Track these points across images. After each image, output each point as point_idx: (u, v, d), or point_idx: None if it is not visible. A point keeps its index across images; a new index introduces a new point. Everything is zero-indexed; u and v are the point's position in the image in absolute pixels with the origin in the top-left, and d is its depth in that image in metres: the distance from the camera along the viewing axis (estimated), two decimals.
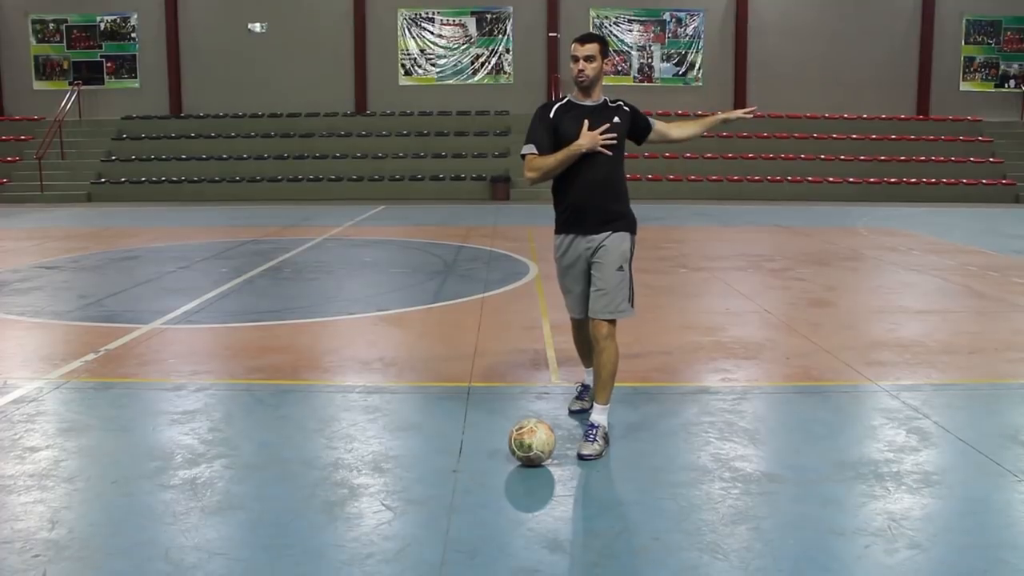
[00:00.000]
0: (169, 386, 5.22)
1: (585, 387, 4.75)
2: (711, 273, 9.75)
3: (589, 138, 4.08)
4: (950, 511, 3.50)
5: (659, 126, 4.52)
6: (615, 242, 4.20)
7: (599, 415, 4.15)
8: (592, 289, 4.21)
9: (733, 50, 25.15)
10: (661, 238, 12.89)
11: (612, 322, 4.19)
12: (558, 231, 4.35)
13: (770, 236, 13.98)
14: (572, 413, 4.66)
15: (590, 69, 4.16)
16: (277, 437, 4.35)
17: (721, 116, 4.85)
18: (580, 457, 4.00)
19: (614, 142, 4.15)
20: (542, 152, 4.18)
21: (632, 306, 4.27)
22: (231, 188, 22.46)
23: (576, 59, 4.17)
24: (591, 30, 25.10)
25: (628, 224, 4.28)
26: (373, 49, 25.21)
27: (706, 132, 4.84)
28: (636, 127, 4.40)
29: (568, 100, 4.28)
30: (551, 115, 4.21)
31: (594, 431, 4.09)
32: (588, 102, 4.24)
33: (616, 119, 4.22)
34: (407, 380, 5.43)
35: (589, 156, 4.13)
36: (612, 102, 4.34)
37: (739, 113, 4.76)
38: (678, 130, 4.66)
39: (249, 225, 15.50)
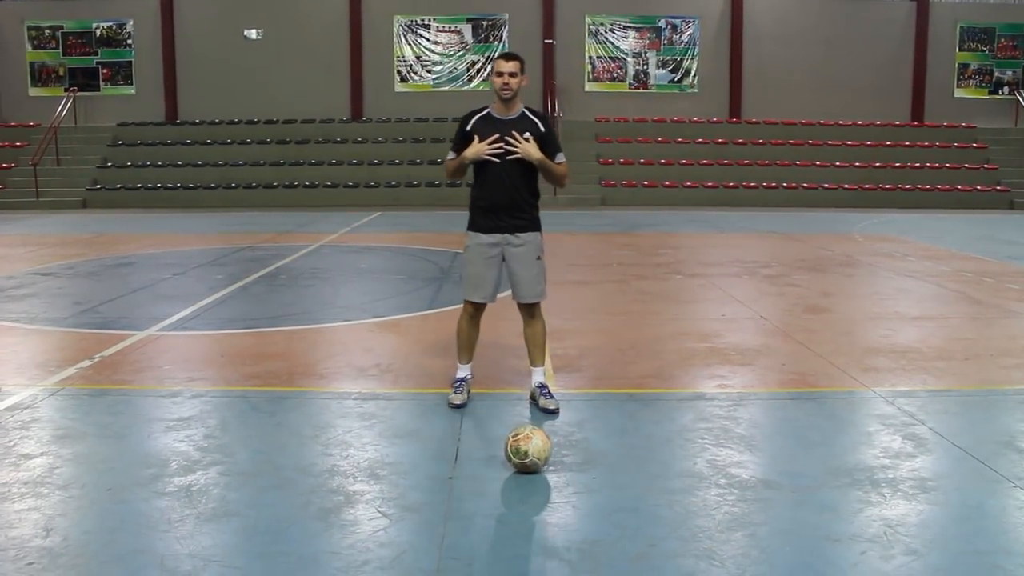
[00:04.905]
0: (164, 393, 5.21)
1: (462, 380, 5.01)
2: (707, 279, 9.77)
3: (474, 151, 4.69)
4: (946, 517, 3.50)
5: (559, 166, 4.81)
6: (529, 238, 4.85)
7: (543, 376, 4.94)
8: (515, 280, 4.86)
9: (728, 57, 25.22)
10: (657, 244, 12.87)
11: (538, 303, 4.94)
12: (472, 228, 4.88)
13: (766, 242, 14.00)
14: (455, 407, 4.85)
15: (514, 83, 4.65)
16: (272, 444, 4.34)
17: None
18: (546, 411, 4.71)
19: (499, 151, 4.66)
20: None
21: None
22: (227, 194, 22.46)
23: (501, 74, 4.65)
24: (586, 37, 25.26)
25: (536, 225, 4.89)
26: (369, 56, 25.23)
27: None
28: (544, 149, 4.75)
29: (488, 112, 4.77)
30: (468, 127, 4.77)
31: (547, 389, 4.88)
32: (506, 116, 4.73)
33: (527, 134, 4.69)
34: (403, 387, 5.42)
35: (498, 162, 4.69)
36: (533, 115, 4.76)
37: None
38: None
39: (245, 231, 15.49)
